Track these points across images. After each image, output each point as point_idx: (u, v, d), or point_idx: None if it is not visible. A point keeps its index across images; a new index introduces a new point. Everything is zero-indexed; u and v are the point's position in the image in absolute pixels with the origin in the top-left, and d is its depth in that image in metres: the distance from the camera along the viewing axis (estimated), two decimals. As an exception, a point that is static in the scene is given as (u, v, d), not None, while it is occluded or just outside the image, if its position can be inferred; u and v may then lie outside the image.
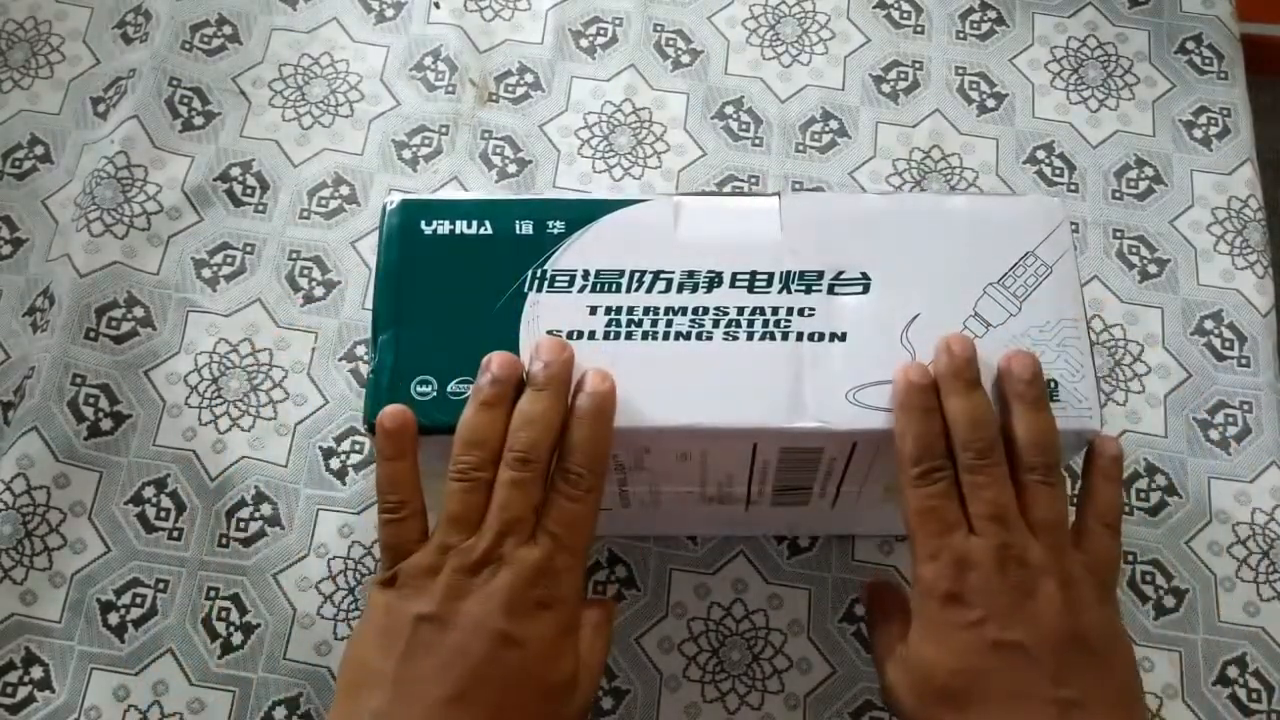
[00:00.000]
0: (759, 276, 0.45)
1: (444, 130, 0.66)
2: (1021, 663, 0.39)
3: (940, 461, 0.41)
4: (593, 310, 0.44)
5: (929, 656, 0.41)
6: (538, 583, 0.40)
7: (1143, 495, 0.58)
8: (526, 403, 0.41)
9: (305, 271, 0.62)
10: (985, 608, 0.39)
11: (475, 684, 0.39)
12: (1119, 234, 0.64)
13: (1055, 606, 0.39)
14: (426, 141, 0.66)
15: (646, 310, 0.44)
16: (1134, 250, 0.63)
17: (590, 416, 0.41)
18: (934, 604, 0.40)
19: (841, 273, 0.45)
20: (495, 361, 0.42)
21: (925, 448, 0.41)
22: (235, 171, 0.65)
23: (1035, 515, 0.41)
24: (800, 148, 0.66)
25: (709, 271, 0.45)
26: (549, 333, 0.44)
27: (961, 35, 0.69)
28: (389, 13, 0.69)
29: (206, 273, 0.62)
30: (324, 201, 0.64)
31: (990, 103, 0.67)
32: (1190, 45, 0.69)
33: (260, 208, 0.64)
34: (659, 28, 0.69)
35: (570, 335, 0.44)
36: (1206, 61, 0.68)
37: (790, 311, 0.44)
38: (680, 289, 0.44)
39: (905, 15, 0.70)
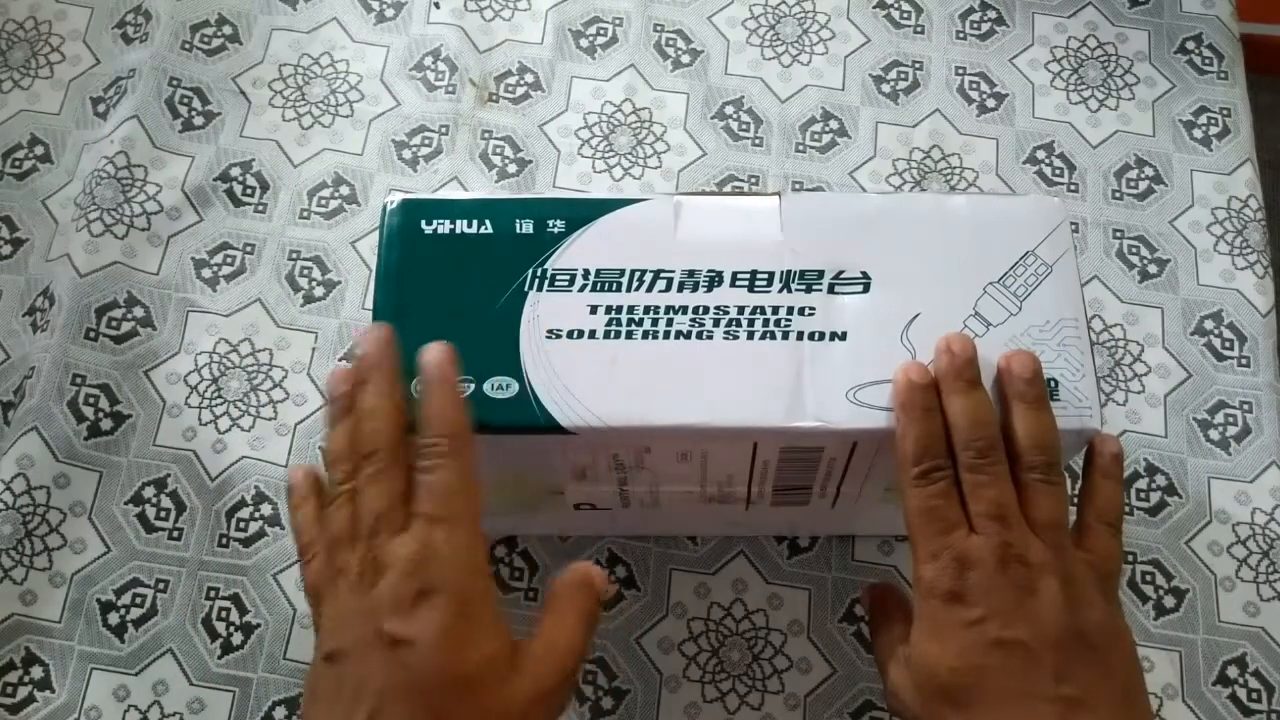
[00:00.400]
0: (759, 276, 0.45)
1: (444, 130, 0.66)
2: (1023, 661, 0.39)
3: (941, 461, 0.41)
4: (593, 309, 0.44)
5: (931, 655, 0.40)
6: (415, 572, 0.38)
7: (1143, 495, 0.58)
8: (359, 399, 0.40)
9: (305, 271, 0.62)
10: (986, 606, 0.39)
11: (381, 703, 0.36)
12: (1119, 234, 0.64)
13: (1057, 605, 0.39)
14: (426, 141, 0.66)
15: (647, 309, 0.44)
16: (1134, 250, 0.63)
17: (433, 385, 0.40)
18: (935, 603, 0.40)
19: (842, 272, 0.45)
20: (329, 381, 0.42)
21: (925, 447, 0.41)
22: (235, 171, 0.65)
23: (1036, 514, 0.41)
24: (800, 148, 0.66)
25: (709, 271, 0.45)
26: (548, 332, 0.44)
27: (961, 35, 0.69)
28: (389, 13, 0.69)
29: (206, 273, 0.62)
30: (324, 201, 0.64)
31: (990, 103, 0.67)
32: (1190, 45, 0.69)
33: (260, 208, 0.64)
34: (659, 28, 0.69)
35: (570, 334, 0.44)
36: (1206, 61, 0.68)
37: (790, 311, 0.44)
38: (680, 288, 0.44)
39: (905, 15, 0.70)
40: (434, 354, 0.41)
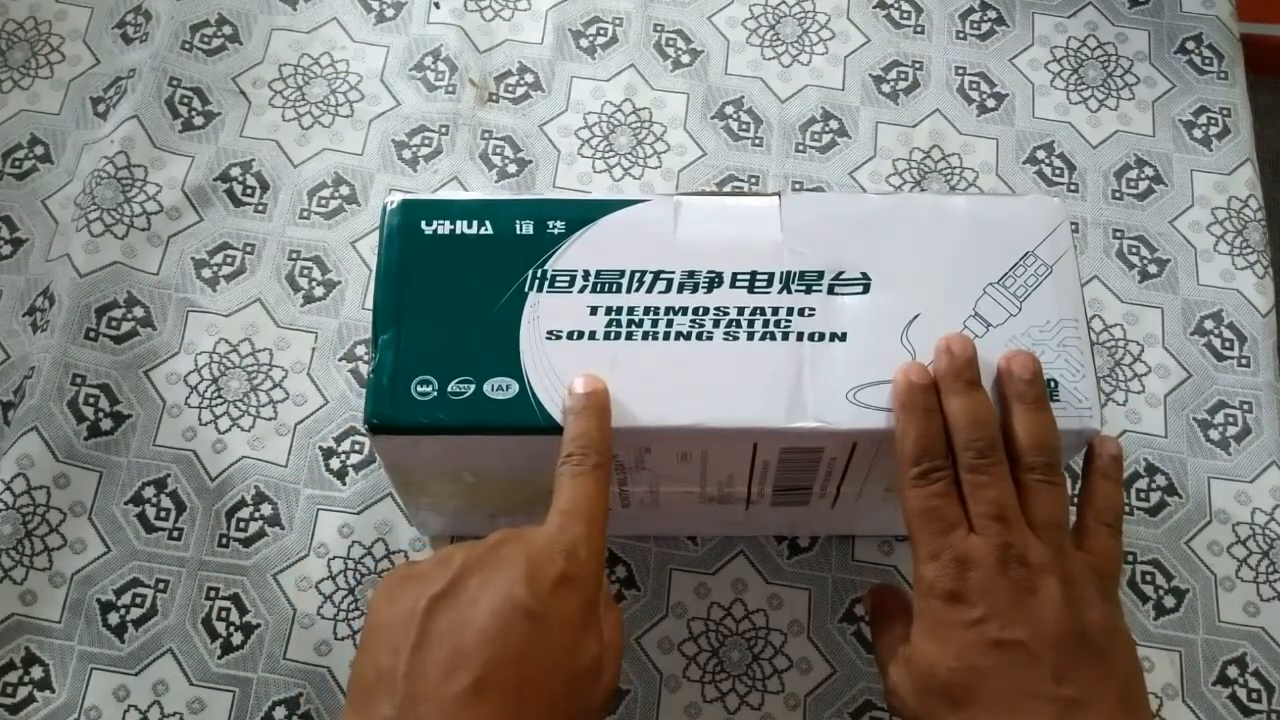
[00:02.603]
0: (759, 276, 0.45)
1: (444, 130, 0.66)
2: (1023, 661, 0.39)
3: (941, 461, 0.41)
4: (593, 310, 0.44)
5: (931, 655, 0.41)
6: (554, 557, 0.38)
7: (1143, 495, 0.58)
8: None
9: (305, 271, 0.62)
10: (986, 606, 0.39)
11: (495, 664, 0.36)
12: (1119, 234, 0.64)
13: (1056, 605, 0.39)
14: (426, 141, 0.66)
15: (647, 310, 0.44)
16: (1134, 250, 0.63)
17: (584, 410, 0.42)
18: (935, 603, 0.40)
19: (841, 273, 0.45)
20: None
21: (925, 448, 0.41)
22: (235, 171, 0.65)
23: (1036, 514, 0.41)
24: (800, 148, 0.66)
25: (709, 271, 0.45)
26: (548, 333, 0.44)
27: (961, 35, 0.69)
28: (389, 13, 0.69)
29: (206, 273, 0.62)
30: (324, 201, 0.64)
31: (990, 103, 0.67)
32: (1190, 45, 0.69)
33: (260, 208, 0.64)
34: (659, 28, 0.69)
35: (570, 335, 0.44)
36: (1206, 61, 0.68)
37: (790, 311, 0.44)
38: (680, 289, 0.44)
39: (905, 15, 0.70)
40: (594, 384, 0.43)
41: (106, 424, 0.58)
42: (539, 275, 0.45)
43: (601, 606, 0.40)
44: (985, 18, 0.70)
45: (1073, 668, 0.39)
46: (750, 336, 0.44)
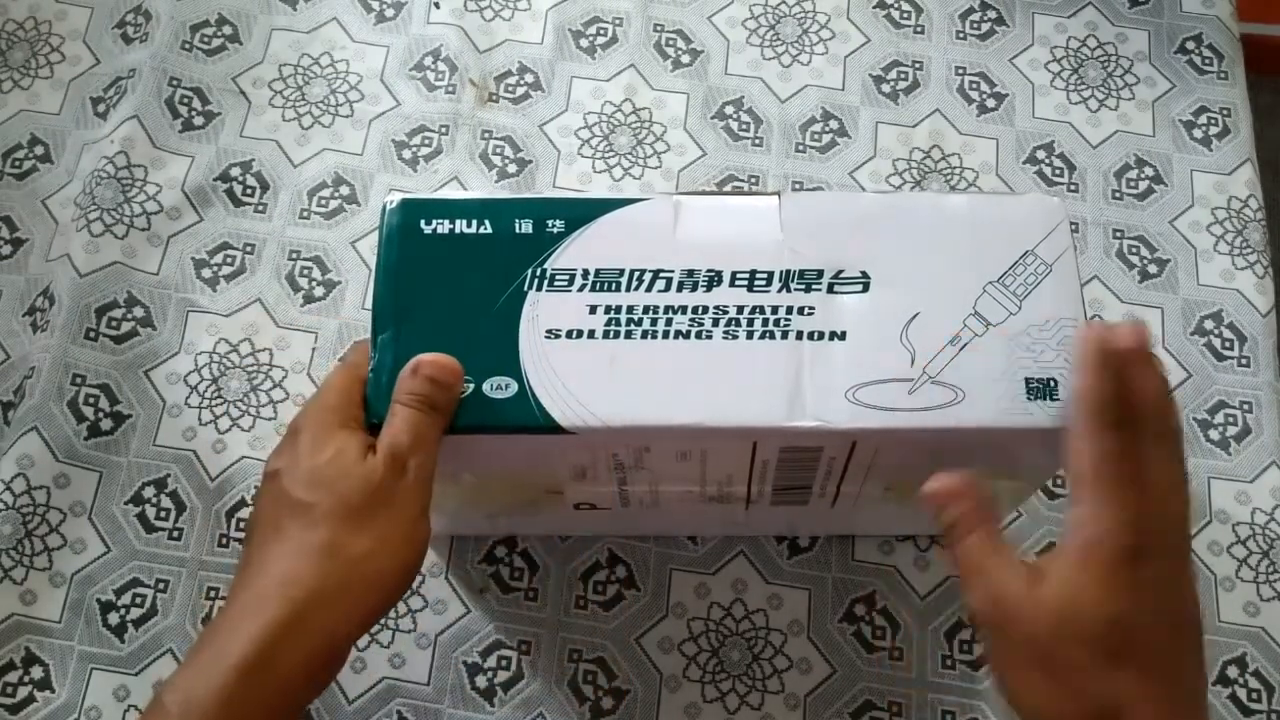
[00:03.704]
0: (759, 275, 0.45)
1: (444, 130, 0.66)
2: (1175, 631, 0.39)
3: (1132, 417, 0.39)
4: (592, 309, 0.44)
5: (1090, 597, 0.38)
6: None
7: (1143, 495, 0.58)
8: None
9: (305, 271, 0.62)
10: (1158, 572, 0.38)
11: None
12: (1119, 234, 0.64)
13: (1192, 580, 0.39)
14: (426, 141, 0.66)
15: (646, 309, 0.44)
16: (1134, 250, 0.63)
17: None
18: (1111, 554, 0.38)
19: (841, 272, 0.45)
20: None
21: (1122, 400, 0.39)
22: (235, 171, 0.65)
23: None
24: (800, 148, 0.66)
25: (709, 270, 0.45)
26: (548, 332, 0.44)
27: (961, 35, 0.69)
28: (389, 13, 0.69)
29: (206, 273, 0.62)
30: (324, 201, 0.64)
31: (990, 103, 0.67)
32: (1190, 45, 0.69)
33: (260, 208, 0.64)
34: (659, 28, 0.69)
35: (570, 334, 0.43)
36: (1206, 61, 0.68)
37: (790, 310, 0.44)
38: (680, 288, 0.44)
39: (905, 15, 0.70)
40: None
41: (106, 424, 0.58)
42: (538, 274, 0.44)
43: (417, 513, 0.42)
44: (985, 18, 0.70)
45: (1192, 653, 0.39)
46: (750, 335, 0.44)
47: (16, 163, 0.66)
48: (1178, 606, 0.39)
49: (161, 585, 0.56)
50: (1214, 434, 0.59)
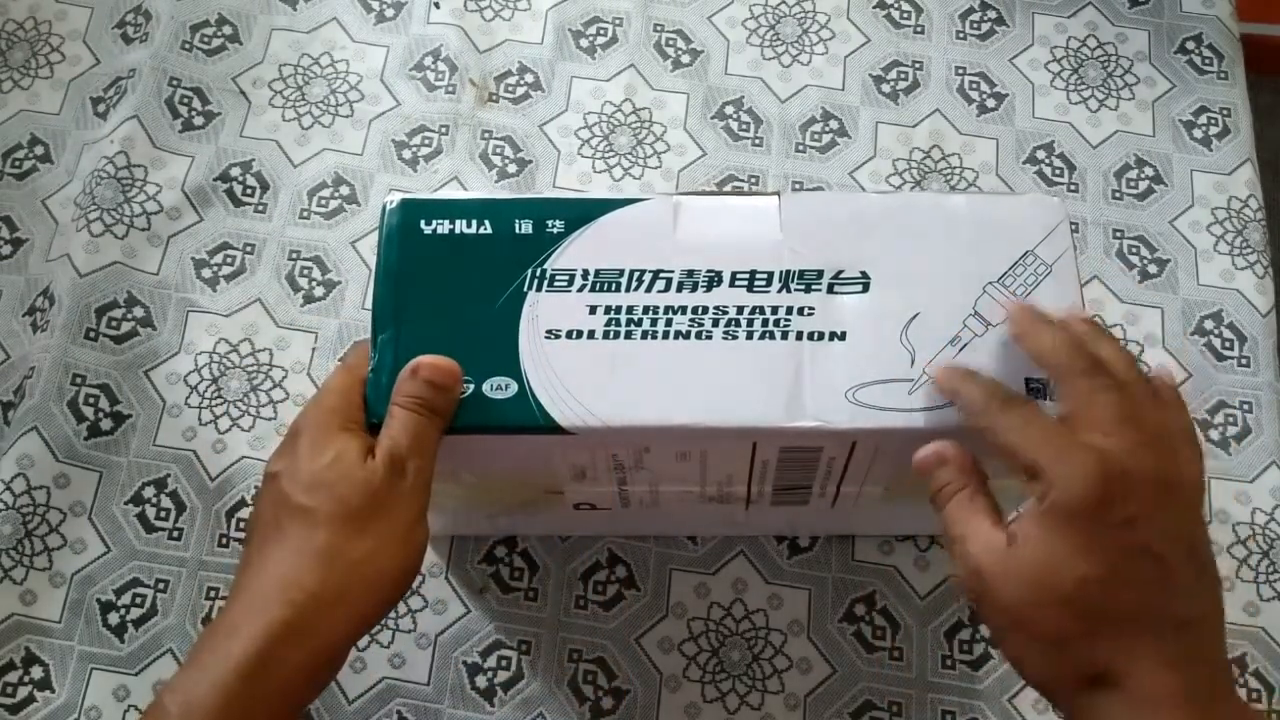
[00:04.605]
0: (758, 276, 0.45)
1: (444, 130, 0.66)
2: (1158, 575, 0.37)
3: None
4: (592, 310, 0.44)
5: (1059, 556, 0.37)
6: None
7: (1143, 495, 0.58)
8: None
9: (305, 271, 0.62)
10: (1127, 516, 0.37)
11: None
12: (1119, 234, 0.64)
13: (1186, 516, 0.38)
14: (426, 141, 0.66)
15: (646, 309, 0.44)
16: (1134, 250, 0.63)
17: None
18: (1068, 509, 0.37)
19: (841, 272, 0.45)
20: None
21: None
22: (235, 171, 0.65)
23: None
24: (800, 148, 0.66)
25: (708, 271, 0.45)
26: (547, 332, 0.44)
27: (961, 35, 0.69)
28: (389, 13, 0.69)
29: (206, 273, 0.62)
30: (324, 201, 0.64)
31: (990, 103, 0.67)
32: (1190, 45, 0.69)
33: (260, 208, 0.64)
34: (659, 28, 0.69)
35: (569, 334, 0.44)
36: (1206, 61, 0.68)
37: (790, 311, 0.44)
38: (680, 288, 0.44)
39: (905, 15, 0.70)
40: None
41: (106, 424, 0.58)
42: (538, 274, 0.44)
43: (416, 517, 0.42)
44: (985, 18, 0.70)
45: (1190, 589, 0.37)
46: (749, 336, 0.44)
47: (16, 163, 0.66)
48: (1161, 548, 0.37)
49: (161, 585, 0.56)
50: (1214, 434, 0.59)
